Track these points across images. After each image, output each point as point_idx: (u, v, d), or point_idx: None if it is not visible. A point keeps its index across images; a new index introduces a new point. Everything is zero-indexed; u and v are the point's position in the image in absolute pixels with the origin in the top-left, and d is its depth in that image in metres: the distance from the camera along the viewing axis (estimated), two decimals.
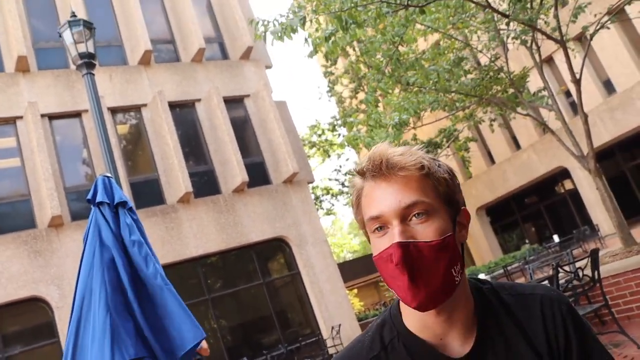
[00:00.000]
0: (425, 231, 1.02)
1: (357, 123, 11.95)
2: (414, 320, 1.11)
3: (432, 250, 1.01)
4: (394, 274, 1.02)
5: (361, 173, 1.10)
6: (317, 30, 8.90)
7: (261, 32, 7.69)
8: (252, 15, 18.23)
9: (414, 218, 1.03)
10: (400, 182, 1.05)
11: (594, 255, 5.72)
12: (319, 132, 32.11)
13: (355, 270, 29.60)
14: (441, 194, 1.06)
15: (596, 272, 5.71)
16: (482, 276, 9.10)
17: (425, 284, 1.01)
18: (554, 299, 1.13)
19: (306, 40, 8.39)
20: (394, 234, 1.02)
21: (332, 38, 7.90)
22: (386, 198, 1.05)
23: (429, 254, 1.01)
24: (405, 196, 1.03)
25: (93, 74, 6.74)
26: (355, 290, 31.99)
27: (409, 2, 7.97)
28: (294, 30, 7.42)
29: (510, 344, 1.09)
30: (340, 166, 33.98)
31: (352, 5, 7.52)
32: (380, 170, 1.06)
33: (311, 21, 7.75)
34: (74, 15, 7.05)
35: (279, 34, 7.43)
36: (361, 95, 26.78)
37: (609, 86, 22.00)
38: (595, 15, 12.14)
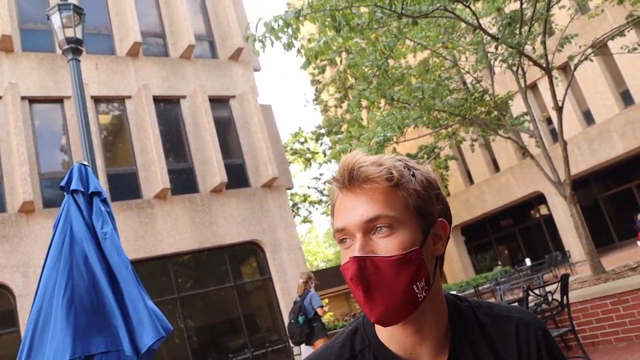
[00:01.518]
0: (387, 246, 0.99)
1: (342, 140, 11.94)
2: (384, 332, 1.09)
3: (390, 266, 0.98)
4: (351, 287, 1.01)
5: (334, 181, 1.07)
6: (309, 41, 8.89)
7: (251, 34, 7.61)
8: (245, 16, 18.22)
9: (376, 232, 1.00)
10: (365, 195, 1.02)
11: (564, 281, 5.77)
12: (302, 139, 32.11)
13: (327, 279, 29.53)
14: (411, 206, 1.02)
15: (565, 297, 5.77)
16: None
17: (382, 299, 0.98)
18: (530, 323, 1.11)
19: (299, 51, 8.36)
20: (355, 248, 1.00)
21: (324, 38, 7.87)
22: (349, 211, 1.02)
23: (386, 270, 0.98)
24: (368, 209, 1.00)
25: (79, 60, 6.64)
26: (326, 300, 31.93)
27: (403, 12, 8.01)
28: (287, 25, 7.37)
29: None
30: (321, 174, 34.00)
31: (347, 5, 7.53)
32: (346, 181, 1.03)
33: (305, 17, 7.70)
34: None
35: (273, 29, 7.35)
36: (347, 105, 26.85)
37: (588, 117, 22.38)
38: (580, 47, 12.34)
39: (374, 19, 8.05)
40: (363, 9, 8.30)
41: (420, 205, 1.03)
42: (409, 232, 1.01)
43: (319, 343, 8.68)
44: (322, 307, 8.91)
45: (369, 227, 1.00)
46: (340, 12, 7.49)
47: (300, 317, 8.82)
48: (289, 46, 7.46)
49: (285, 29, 7.36)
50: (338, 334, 1.19)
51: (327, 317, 28.02)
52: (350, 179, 1.02)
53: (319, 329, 8.86)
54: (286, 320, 14.87)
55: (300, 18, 7.47)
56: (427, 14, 8.47)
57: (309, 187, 33.29)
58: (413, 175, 1.05)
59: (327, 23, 7.66)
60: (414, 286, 0.99)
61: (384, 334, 1.09)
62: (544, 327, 1.13)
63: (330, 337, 8.50)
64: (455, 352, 1.07)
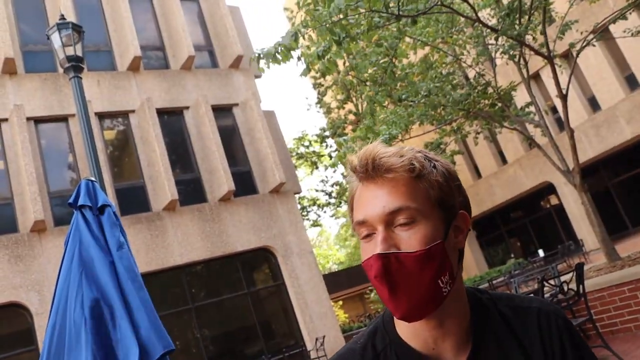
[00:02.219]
0: (410, 239, 0.97)
1: (347, 141, 11.91)
2: (405, 328, 1.07)
3: (415, 261, 0.96)
4: (375, 284, 0.99)
5: (354, 173, 1.05)
6: (309, 47, 8.87)
7: (255, 56, 7.64)
8: (243, 24, 18.25)
9: (398, 224, 0.98)
10: (387, 186, 1.00)
11: (579, 270, 5.73)
12: (306, 143, 32.11)
13: (340, 281, 29.55)
14: (433, 198, 1.01)
15: (581, 287, 5.72)
16: None
17: (408, 295, 0.97)
18: (551, 313, 1.10)
19: (299, 58, 8.35)
20: (377, 242, 0.98)
21: (328, 55, 7.87)
22: (371, 202, 1.01)
23: (411, 265, 0.97)
24: (390, 201, 0.99)
25: (80, 78, 6.68)
26: (340, 302, 31.92)
27: (401, 13, 7.99)
28: (291, 48, 7.40)
29: (506, 356, 1.06)
30: (327, 177, 33.97)
31: (343, 16, 7.51)
32: (367, 171, 1.02)
33: (303, 37, 7.72)
34: (63, 18, 7.00)
35: (275, 54, 7.40)
36: (349, 106, 26.83)
37: (594, 103, 22.24)
38: (581, 33, 12.27)
39: (372, 26, 8.03)
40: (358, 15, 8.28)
41: (442, 197, 1.02)
42: (431, 224, 0.99)
43: None
44: None
45: (391, 219, 0.99)
46: (338, 24, 7.48)
47: None
48: (288, 58, 7.49)
49: (287, 54, 7.41)
50: (358, 335, 1.18)
51: (341, 319, 27.98)
52: (373, 169, 1.01)
53: None
54: (302, 325, 14.87)
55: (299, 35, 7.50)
56: (425, 12, 8.44)
57: (316, 191, 33.26)
58: (434, 166, 1.04)
59: (327, 39, 7.65)
60: (439, 280, 0.98)
61: (404, 330, 1.08)
62: (564, 316, 1.12)
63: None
64: (479, 345, 1.06)
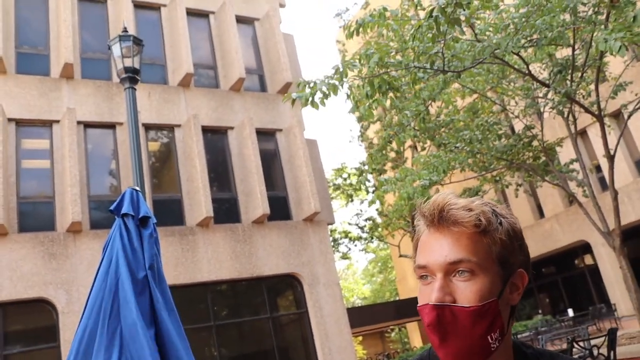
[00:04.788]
0: (466, 291, 1.00)
1: (388, 181, 11.88)
2: None
3: (468, 316, 0.99)
4: (427, 332, 1.02)
5: (422, 218, 1.09)
6: (358, 87, 9.00)
7: (290, 96, 7.79)
8: (295, 52, 18.54)
9: (457, 274, 1.02)
10: (451, 237, 1.03)
11: (611, 335, 5.58)
12: (345, 175, 32.13)
13: (363, 317, 29.18)
14: (494, 254, 1.04)
15: (612, 353, 5.57)
16: None
17: (457, 347, 1.00)
18: None
19: (348, 96, 8.47)
20: (434, 288, 1.01)
21: (368, 102, 7.97)
22: (434, 250, 1.04)
23: (464, 320, 0.99)
24: (452, 252, 1.02)
25: (135, 89, 6.89)
26: (360, 338, 31.52)
27: (447, 68, 8.02)
28: (335, 89, 7.51)
29: None
30: (362, 211, 33.82)
31: (384, 71, 7.60)
32: (434, 220, 1.05)
33: (349, 87, 7.85)
34: (125, 30, 7.25)
35: (309, 99, 7.55)
36: (392, 145, 26.84)
37: None
38: (636, 95, 12.11)
39: (416, 80, 8.10)
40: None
41: (503, 255, 1.05)
42: (488, 280, 1.02)
43: None
44: None
45: (451, 269, 1.02)
46: (380, 78, 7.57)
47: None
48: (335, 92, 7.59)
49: (333, 93, 7.52)
50: None
51: (359, 354, 27.58)
52: (440, 219, 1.04)
53: None
54: (320, 356, 14.73)
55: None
56: (472, 65, 8.47)
57: (349, 224, 33.16)
58: (500, 223, 1.06)
59: (368, 91, 7.74)
60: (489, 337, 1.00)
61: None
62: None
63: None
64: None
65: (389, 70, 7.64)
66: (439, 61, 7.84)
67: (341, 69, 7.47)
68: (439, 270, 1.02)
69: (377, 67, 7.39)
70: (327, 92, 7.47)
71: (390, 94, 7.91)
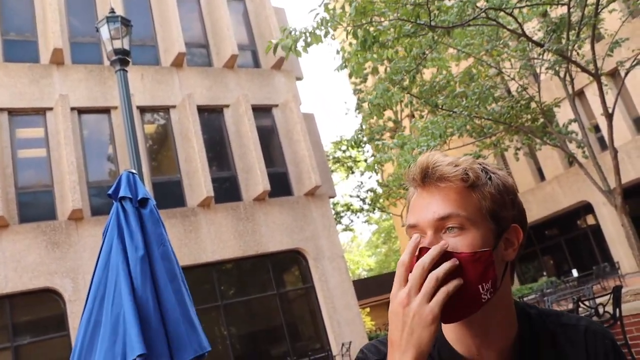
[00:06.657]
0: (457, 245, 0.99)
1: (385, 145, 11.82)
2: (450, 332, 1.09)
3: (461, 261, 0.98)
4: None
5: (412, 181, 1.08)
6: (350, 44, 8.88)
7: (272, 44, 7.67)
8: (287, 25, 18.34)
9: (447, 231, 1.00)
10: (439, 193, 1.03)
11: (616, 293, 5.59)
12: (343, 147, 32.03)
13: (369, 288, 29.38)
14: (485, 208, 1.02)
15: (618, 310, 5.58)
16: None
17: None
18: (598, 333, 1.11)
19: (338, 52, 8.39)
20: (424, 244, 1.00)
21: (356, 58, 7.87)
22: (423, 208, 1.03)
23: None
24: (440, 207, 1.01)
25: (126, 71, 6.80)
26: (368, 309, 31.74)
27: (433, 24, 7.90)
28: (318, 40, 7.38)
29: None
30: (363, 183, 33.82)
31: (366, 22, 7.48)
32: (422, 179, 1.05)
33: (333, 36, 7.72)
34: (112, 11, 7.14)
35: (306, 44, 7.41)
36: (388, 113, 26.70)
37: (638, 124, 21.71)
38: (633, 51, 11.99)
39: (402, 33, 7.97)
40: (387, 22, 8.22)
41: (494, 209, 1.03)
42: (479, 234, 1.00)
43: None
44: None
45: (441, 226, 1.01)
46: (363, 28, 7.45)
47: None
48: (317, 41, 7.44)
49: (315, 43, 7.40)
50: None
51: (368, 326, 27.84)
52: (425, 177, 1.04)
53: None
54: (329, 329, 14.84)
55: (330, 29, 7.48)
56: (462, 24, 8.34)
57: (351, 196, 33.18)
58: (490, 178, 1.06)
59: (353, 43, 7.63)
60: (479, 286, 0.98)
61: (450, 333, 1.09)
62: (612, 337, 1.12)
63: None
64: (524, 357, 1.07)
65: (372, 20, 7.53)
66: (425, 18, 7.72)
67: (321, 16, 7.33)
68: (428, 227, 1.01)
69: (357, 14, 7.26)
70: (308, 41, 7.36)
71: (377, 49, 7.81)
